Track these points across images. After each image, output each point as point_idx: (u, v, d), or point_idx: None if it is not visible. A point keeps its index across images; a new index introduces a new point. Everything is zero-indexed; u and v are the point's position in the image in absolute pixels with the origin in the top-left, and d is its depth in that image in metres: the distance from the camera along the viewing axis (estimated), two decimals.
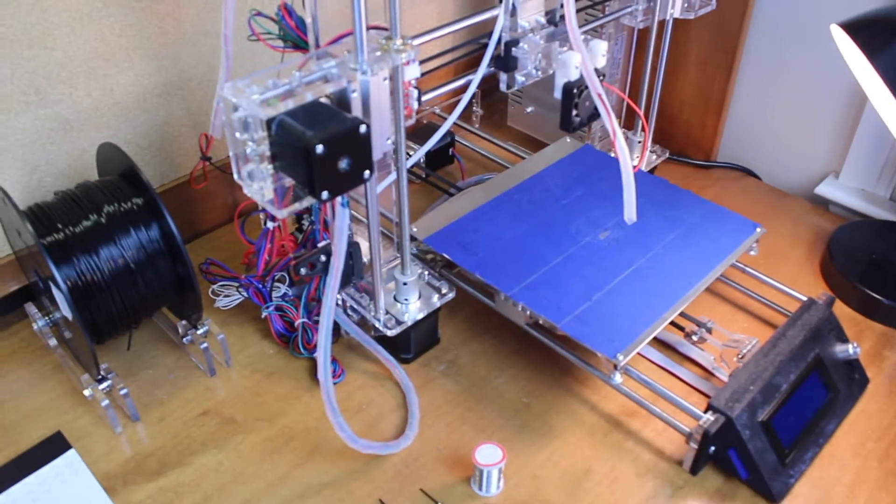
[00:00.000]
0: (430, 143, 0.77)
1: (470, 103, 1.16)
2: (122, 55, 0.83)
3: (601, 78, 0.76)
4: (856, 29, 0.69)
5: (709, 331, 0.81)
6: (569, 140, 0.99)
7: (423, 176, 1.02)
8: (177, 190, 0.94)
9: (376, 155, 0.65)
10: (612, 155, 0.99)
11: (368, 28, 0.63)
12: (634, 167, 0.74)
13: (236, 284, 0.80)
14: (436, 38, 0.69)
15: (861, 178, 1.02)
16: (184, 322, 0.79)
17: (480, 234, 0.84)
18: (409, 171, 1.05)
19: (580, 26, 0.86)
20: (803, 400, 0.74)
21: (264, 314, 0.81)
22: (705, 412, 0.70)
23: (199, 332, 0.79)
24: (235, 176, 0.58)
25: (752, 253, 0.87)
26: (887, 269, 0.91)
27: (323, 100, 0.59)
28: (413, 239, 0.84)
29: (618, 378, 0.72)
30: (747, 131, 1.11)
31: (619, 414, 0.77)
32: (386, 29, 0.63)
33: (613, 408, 0.77)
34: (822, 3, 0.97)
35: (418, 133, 1.04)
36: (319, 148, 0.54)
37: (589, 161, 0.96)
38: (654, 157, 1.00)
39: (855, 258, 0.92)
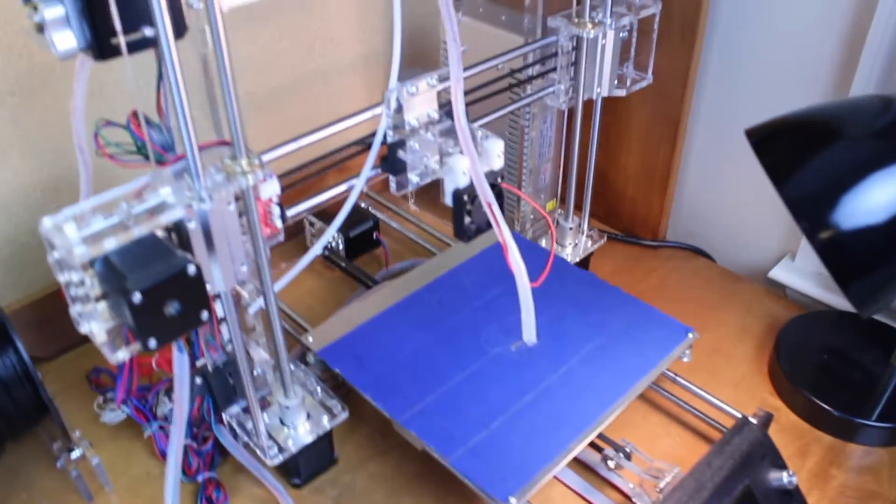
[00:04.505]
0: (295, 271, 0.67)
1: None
2: None
3: (500, 179, 0.69)
4: (763, 147, 0.60)
5: (627, 456, 0.72)
6: None
7: (342, 265, 0.96)
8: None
9: (227, 285, 0.58)
10: (543, 246, 0.92)
11: (214, 144, 0.58)
12: (534, 283, 0.67)
13: None
14: (297, 151, 0.63)
15: (818, 260, 0.93)
16: (57, 444, 0.73)
17: (379, 345, 0.77)
18: (327, 258, 0.99)
19: (503, 107, 0.80)
20: None
21: (146, 434, 0.75)
22: None
23: (71, 456, 0.72)
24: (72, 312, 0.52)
25: (685, 360, 0.79)
26: (837, 372, 0.82)
27: (160, 233, 0.53)
28: (308, 350, 0.78)
29: None
30: (699, 208, 1.03)
31: None
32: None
33: None
34: (769, 74, 0.89)
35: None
36: (137, 297, 0.48)
37: None
38: (590, 242, 0.93)
39: (803, 358, 0.83)
